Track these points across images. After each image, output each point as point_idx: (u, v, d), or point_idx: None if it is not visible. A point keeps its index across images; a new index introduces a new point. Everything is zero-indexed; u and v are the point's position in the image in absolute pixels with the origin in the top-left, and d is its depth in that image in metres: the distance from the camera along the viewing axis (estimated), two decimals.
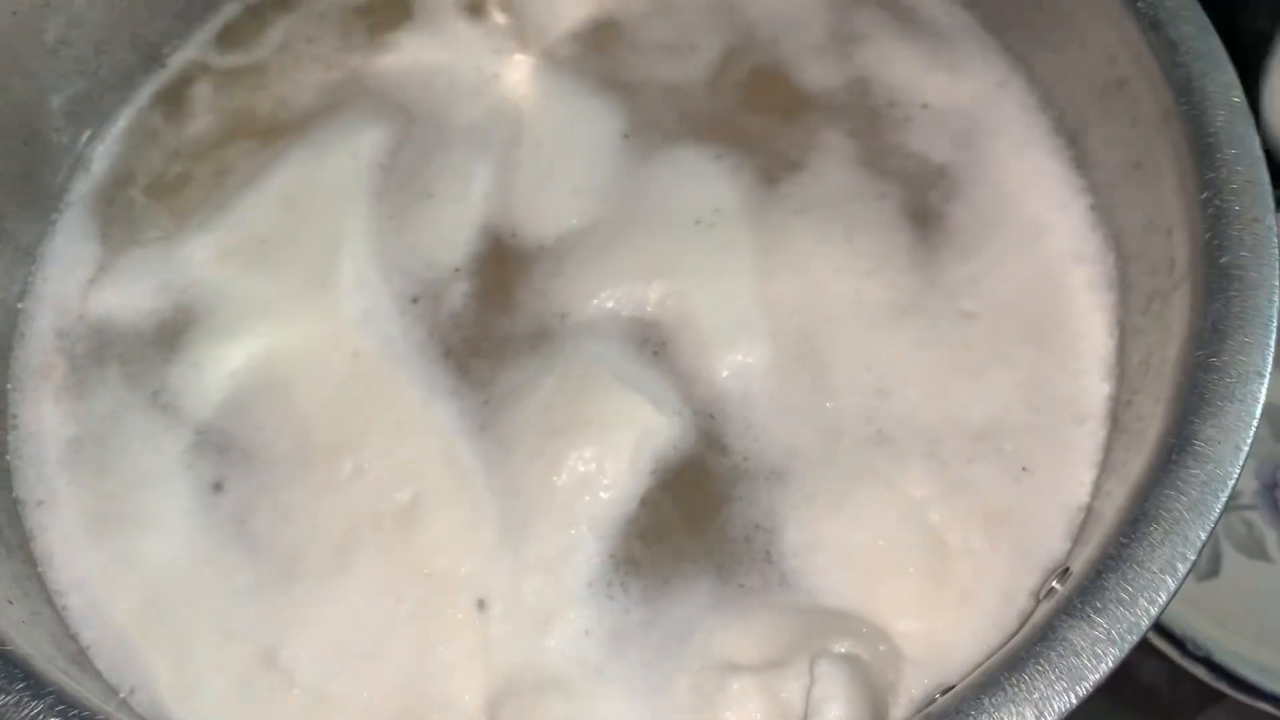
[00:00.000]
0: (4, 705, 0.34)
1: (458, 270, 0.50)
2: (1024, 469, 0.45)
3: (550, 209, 0.51)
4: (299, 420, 0.47)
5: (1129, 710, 0.61)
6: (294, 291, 0.50)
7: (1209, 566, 0.62)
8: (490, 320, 0.49)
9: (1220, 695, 0.58)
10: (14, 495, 0.46)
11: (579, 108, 0.54)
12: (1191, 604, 0.60)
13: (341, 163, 0.53)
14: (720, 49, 0.56)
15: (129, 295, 0.50)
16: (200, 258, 0.51)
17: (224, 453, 0.47)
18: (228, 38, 0.58)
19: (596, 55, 0.56)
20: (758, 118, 0.54)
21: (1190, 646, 0.58)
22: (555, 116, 0.54)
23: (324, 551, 0.44)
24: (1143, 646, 0.58)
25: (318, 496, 0.46)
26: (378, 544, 0.44)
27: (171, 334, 0.49)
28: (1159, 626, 0.58)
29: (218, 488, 0.46)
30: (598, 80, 0.55)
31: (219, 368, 0.48)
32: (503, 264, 0.50)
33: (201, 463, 0.46)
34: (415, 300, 0.49)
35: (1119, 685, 0.61)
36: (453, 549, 0.44)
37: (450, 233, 0.51)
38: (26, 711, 0.34)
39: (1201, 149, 0.42)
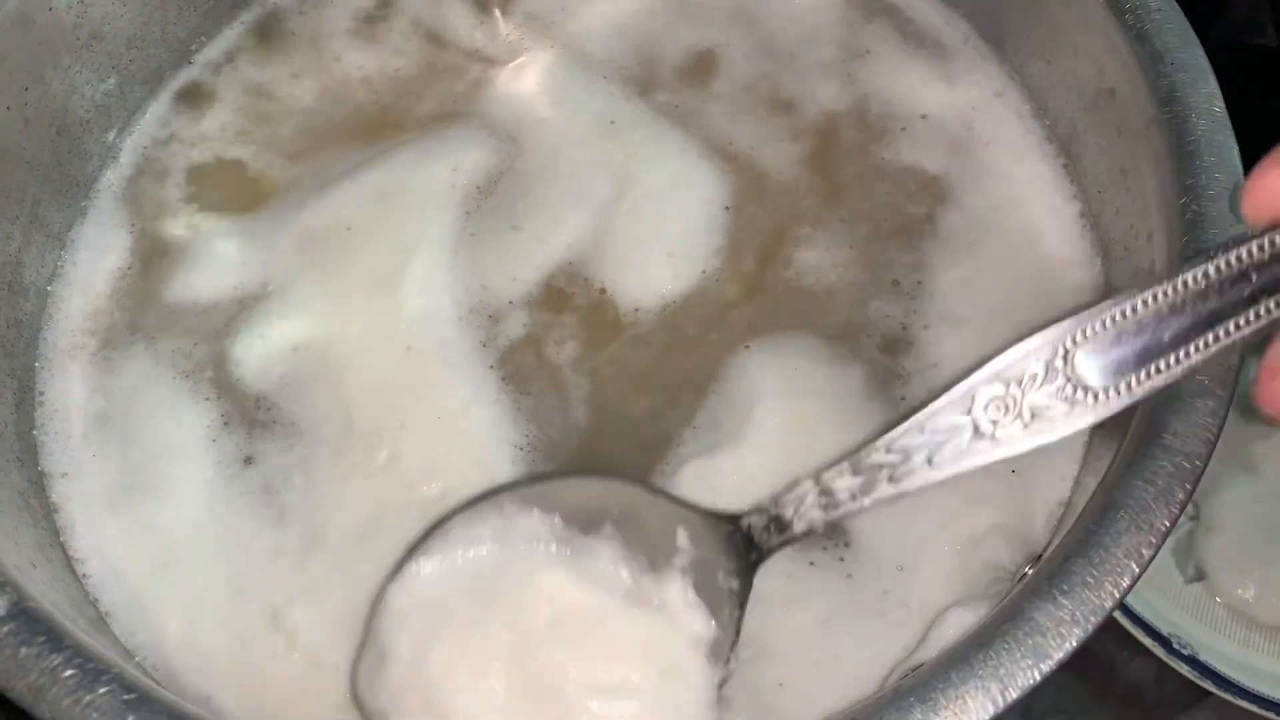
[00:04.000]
0: (25, 657, 0.36)
1: (510, 304, 0.51)
2: (1013, 471, 0.47)
3: (644, 269, 0.52)
4: (346, 403, 0.49)
5: (1116, 706, 0.62)
6: (365, 281, 0.51)
7: (1198, 570, 0.63)
8: (544, 348, 0.50)
9: (1206, 694, 0.59)
10: (40, 468, 0.48)
11: (685, 172, 0.54)
12: (1179, 604, 0.61)
13: (440, 174, 0.54)
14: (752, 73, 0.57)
15: (203, 267, 0.53)
16: (288, 233, 0.53)
17: (266, 427, 0.48)
18: (260, 36, 0.60)
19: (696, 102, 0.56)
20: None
21: (1176, 644, 0.59)
22: (662, 176, 0.54)
23: (348, 530, 0.46)
24: (1130, 645, 0.59)
25: (350, 478, 0.47)
26: (401, 532, 0.45)
27: (242, 306, 0.52)
28: (1145, 625, 0.59)
29: (248, 461, 0.48)
30: (706, 145, 0.55)
31: (285, 340, 0.50)
32: (571, 309, 0.51)
33: (227, 437, 0.48)
34: (473, 311, 0.51)
35: (1106, 682, 0.63)
36: None
37: (518, 269, 0.52)
38: (47, 663, 0.35)
39: (1182, 156, 0.43)
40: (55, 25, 0.51)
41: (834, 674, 0.43)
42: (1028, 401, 0.34)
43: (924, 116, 0.55)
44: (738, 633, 0.39)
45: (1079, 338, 0.34)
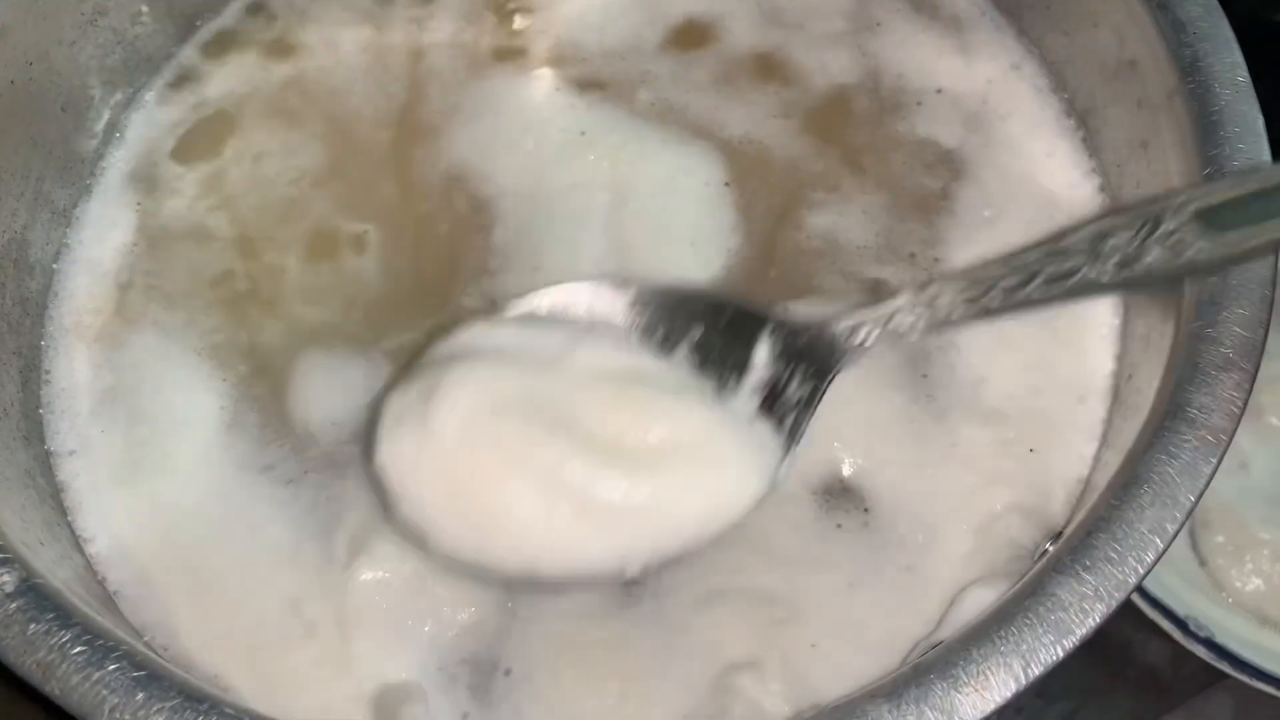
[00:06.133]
0: (34, 633, 0.35)
1: None
2: (1030, 450, 0.46)
3: (671, 263, 0.50)
4: None
5: (1132, 689, 0.62)
6: None
7: (1203, 562, 0.63)
8: None
9: (1222, 676, 0.59)
10: (46, 447, 0.48)
11: (676, 161, 0.53)
12: (1195, 586, 0.61)
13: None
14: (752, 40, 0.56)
15: (207, 245, 0.52)
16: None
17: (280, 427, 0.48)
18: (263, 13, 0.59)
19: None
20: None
21: (1193, 627, 0.58)
22: (655, 170, 0.52)
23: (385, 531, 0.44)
24: (1146, 627, 0.59)
25: None
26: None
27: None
28: (1162, 607, 0.59)
29: (267, 467, 0.47)
30: (684, 130, 0.53)
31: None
32: None
33: (238, 419, 0.48)
34: None
35: (1122, 664, 0.62)
36: None
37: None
38: (56, 640, 0.35)
39: (1205, 127, 0.43)
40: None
41: (863, 640, 0.43)
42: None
43: (939, 90, 0.55)
44: (799, 433, 0.41)
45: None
